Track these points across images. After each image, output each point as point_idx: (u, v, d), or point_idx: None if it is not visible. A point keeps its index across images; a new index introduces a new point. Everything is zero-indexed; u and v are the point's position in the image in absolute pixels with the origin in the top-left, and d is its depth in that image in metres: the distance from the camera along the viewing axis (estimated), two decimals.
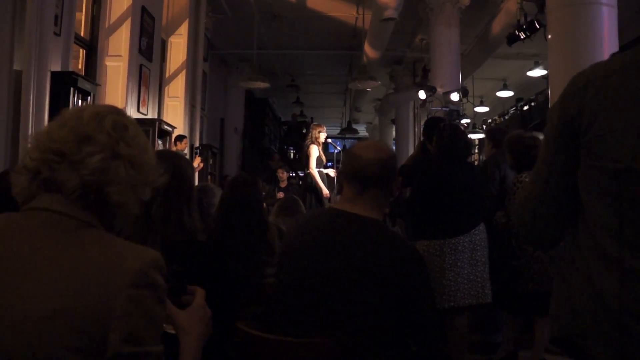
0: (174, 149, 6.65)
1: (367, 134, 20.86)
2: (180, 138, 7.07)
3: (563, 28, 4.11)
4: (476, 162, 12.54)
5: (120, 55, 5.86)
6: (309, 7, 9.43)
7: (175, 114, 8.04)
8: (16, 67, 3.99)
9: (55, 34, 4.47)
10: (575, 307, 1.07)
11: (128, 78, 5.88)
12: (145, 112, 6.46)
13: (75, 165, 0.95)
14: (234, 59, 12.41)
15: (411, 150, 11.72)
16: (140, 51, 6.20)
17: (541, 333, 3.31)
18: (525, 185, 1.17)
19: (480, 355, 3.69)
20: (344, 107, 16.55)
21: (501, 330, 3.81)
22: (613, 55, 1.16)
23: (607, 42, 3.95)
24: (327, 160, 6.69)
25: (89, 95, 4.85)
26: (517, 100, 13.48)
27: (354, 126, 16.93)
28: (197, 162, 7.56)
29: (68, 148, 0.95)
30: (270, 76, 10.34)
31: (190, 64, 8.43)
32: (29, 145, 0.98)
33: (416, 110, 11.13)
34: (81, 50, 5.69)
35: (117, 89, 5.83)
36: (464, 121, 7.98)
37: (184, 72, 8.28)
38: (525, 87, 13.01)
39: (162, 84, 7.93)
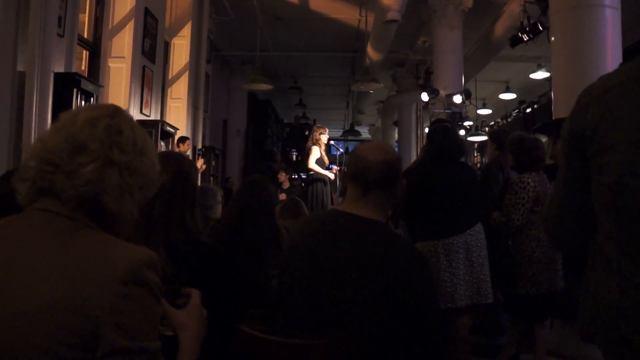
0: (176, 150, 6.66)
1: (369, 136, 20.86)
2: (182, 140, 7.08)
3: (566, 30, 4.10)
4: (478, 165, 12.55)
5: (123, 57, 5.87)
6: (311, 9, 9.44)
7: (178, 116, 8.06)
8: (20, 68, 3.99)
9: (58, 35, 4.47)
10: (591, 310, 1.12)
11: (131, 79, 5.89)
12: (148, 114, 6.47)
13: (70, 176, 0.96)
14: (236, 61, 12.43)
15: (414, 152, 11.73)
16: (143, 53, 6.21)
17: (542, 336, 3.30)
18: (549, 197, 1.24)
19: (484, 357, 3.68)
20: (347, 109, 16.56)
21: (505, 332, 3.80)
22: (620, 66, 1.21)
23: (610, 45, 3.94)
24: (330, 162, 6.68)
25: (92, 96, 4.85)
26: (520, 102, 13.47)
27: (357, 128, 16.94)
28: (200, 164, 7.57)
29: (61, 159, 0.97)
30: (273, 78, 10.36)
31: (193, 66, 8.45)
32: (26, 154, 1.00)
33: (419, 113, 11.13)
34: (84, 51, 5.70)
35: (120, 90, 5.84)
36: (466, 123, 7.97)
37: (186, 73, 8.29)
38: (528, 90, 13.00)
39: (165, 85, 7.95)
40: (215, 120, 11.11)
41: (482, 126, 12.49)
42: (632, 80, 1.04)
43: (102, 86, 5.52)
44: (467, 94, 7.81)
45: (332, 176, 6.48)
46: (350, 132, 16.27)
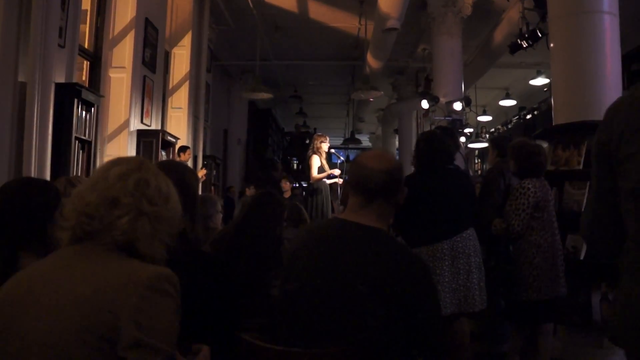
0: (177, 159, 6.66)
1: (370, 144, 20.87)
2: (183, 149, 7.09)
3: (565, 37, 4.11)
4: (479, 171, 12.54)
5: (123, 67, 5.89)
6: (311, 18, 9.48)
7: (179, 125, 8.07)
8: (21, 78, 4.01)
9: (59, 45, 4.49)
10: (622, 315, 1.16)
11: (132, 89, 5.90)
12: (148, 123, 6.48)
13: (107, 227, 1.15)
14: (237, 70, 12.46)
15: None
16: (143, 63, 6.23)
17: (545, 343, 3.28)
18: (585, 206, 1.30)
19: None
20: (347, 117, 16.58)
21: (508, 340, 3.78)
22: None
23: (609, 51, 3.94)
24: (330, 176, 6.67)
25: (93, 106, 4.86)
26: (520, 109, 13.49)
27: (357, 136, 16.96)
28: (201, 174, 7.58)
29: (98, 212, 1.16)
30: (273, 87, 10.38)
31: (194, 75, 8.47)
32: (66, 207, 1.20)
33: (419, 120, 11.13)
34: (85, 61, 5.72)
35: (120, 100, 5.85)
36: (467, 130, 7.97)
37: (187, 83, 8.31)
38: (528, 96, 13.01)
39: (165, 95, 7.96)
40: (216, 130, 11.13)
41: (483, 132, 12.49)
42: None
43: (103, 96, 5.53)
44: (467, 101, 7.81)
45: (337, 174, 6.52)
46: (350, 141, 16.28)
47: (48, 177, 3.95)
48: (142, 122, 6.25)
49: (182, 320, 1.16)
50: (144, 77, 6.28)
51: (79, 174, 4.59)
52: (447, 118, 7.59)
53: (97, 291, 1.06)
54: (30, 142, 3.89)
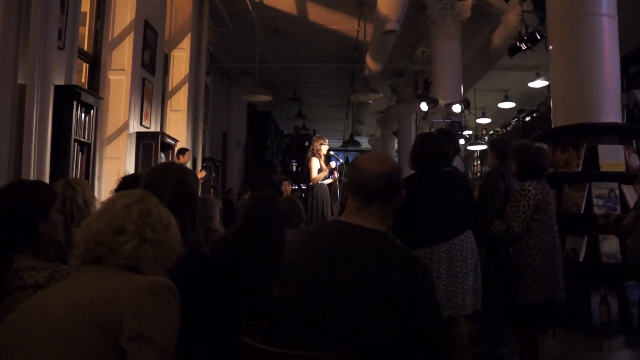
0: (176, 162, 6.65)
1: (369, 146, 20.86)
2: (182, 151, 7.08)
3: (564, 39, 4.12)
4: (478, 174, 12.55)
5: (123, 69, 5.89)
6: (310, 21, 9.48)
7: (178, 128, 8.06)
8: (20, 81, 4.01)
9: (58, 48, 4.49)
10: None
11: (131, 91, 5.90)
12: (147, 126, 6.48)
13: (113, 252, 1.27)
14: (236, 73, 12.47)
15: None
16: (143, 65, 6.23)
17: (545, 345, 3.28)
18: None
19: None
20: (346, 119, 16.57)
21: (507, 342, 3.78)
22: None
23: (608, 53, 3.95)
24: (329, 173, 6.68)
25: (92, 108, 4.86)
26: (519, 111, 13.50)
27: (356, 138, 16.95)
28: (201, 176, 7.57)
29: (106, 239, 1.28)
30: (273, 89, 10.38)
31: (193, 78, 8.47)
32: (76, 236, 1.33)
33: (418, 122, 11.15)
34: (84, 64, 5.72)
35: (120, 102, 5.85)
36: (466, 133, 7.98)
37: (186, 85, 8.31)
38: (527, 99, 13.03)
39: (164, 97, 7.96)
40: (215, 132, 11.13)
41: (482, 135, 12.50)
42: None
43: (102, 98, 5.53)
44: (466, 104, 7.82)
45: (333, 166, 6.57)
46: (349, 143, 16.28)
47: (47, 180, 3.94)
48: (141, 124, 6.25)
49: (183, 323, 1.17)
50: (143, 79, 6.28)
51: (79, 177, 4.59)
52: (446, 120, 7.60)
53: (103, 292, 1.19)
54: (30, 145, 3.89)
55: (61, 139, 4.36)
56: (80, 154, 4.73)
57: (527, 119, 12.25)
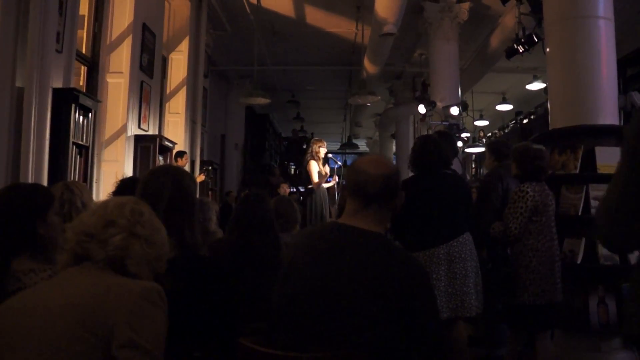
0: (174, 164, 6.65)
1: (367, 148, 20.89)
2: (180, 154, 7.09)
3: (561, 41, 4.13)
4: (476, 176, 12.54)
5: (121, 72, 5.89)
6: (308, 24, 9.50)
7: (176, 130, 8.07)
8: (18, 84, 4.01)
9: (57, 51, 4.49)
10: (637, 313, 1.15)
11: (129, 94, 5.90)
12: (146, 129, 6.48)
13: (102, 244, 1.28)
14: (234, 75, 12.48)
15: None
16: (141, 68, 6.23)
17: (543, 347, 3.28)
18: (605, 193, 1.24)
19: None
20: (344, 122, 16.60)
21: (506, 344, 3.78)
22: None
23: (604, 55, 3.96)
24: (329, 175, 6.68)
25: (91, 111, 4.86)
26: (516, 113, 13.52)
27: (354, 141, 16.96)
28: (200, 180, 7.58)
29: (96, 230, 1.29)
30: (271, 92, 10.38)
31: (191, 81, 8.47)
32: (67, 231, 1.33)
33: (416, 125, 11.17)
34: (82, 67, 5.72)
35: (118, 105, 5.85)
36: (464, 135, 7.99)
37: (184, 88, 8.31)
38: (525, 101, 13.05)
39: (162, 100, 7.96)
40: (213, 135, 11.13)
41: (480, 137, 12.51)
42: None
43: (101, 101, 5.53)
44: (463, 106, 7.83)
45: (335, 177, 6.58)
46: (348, 145, 16.29)
47: (45, 182, 3.94)
48: (139, 127, 6.25)
49: (182, 324, 1.17)
50: (142, 82, 6.28)
51: (77, 179, 4.58)
52: (444, 123, 7.61)
53: (94, 296, 1.18)
54: (28, 147, 3.89)
55: (59, 142, 4.36)
56: (78, 156, 4.73)
57: (525, 121, 12.25)
